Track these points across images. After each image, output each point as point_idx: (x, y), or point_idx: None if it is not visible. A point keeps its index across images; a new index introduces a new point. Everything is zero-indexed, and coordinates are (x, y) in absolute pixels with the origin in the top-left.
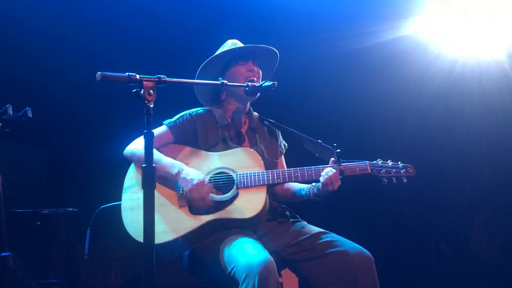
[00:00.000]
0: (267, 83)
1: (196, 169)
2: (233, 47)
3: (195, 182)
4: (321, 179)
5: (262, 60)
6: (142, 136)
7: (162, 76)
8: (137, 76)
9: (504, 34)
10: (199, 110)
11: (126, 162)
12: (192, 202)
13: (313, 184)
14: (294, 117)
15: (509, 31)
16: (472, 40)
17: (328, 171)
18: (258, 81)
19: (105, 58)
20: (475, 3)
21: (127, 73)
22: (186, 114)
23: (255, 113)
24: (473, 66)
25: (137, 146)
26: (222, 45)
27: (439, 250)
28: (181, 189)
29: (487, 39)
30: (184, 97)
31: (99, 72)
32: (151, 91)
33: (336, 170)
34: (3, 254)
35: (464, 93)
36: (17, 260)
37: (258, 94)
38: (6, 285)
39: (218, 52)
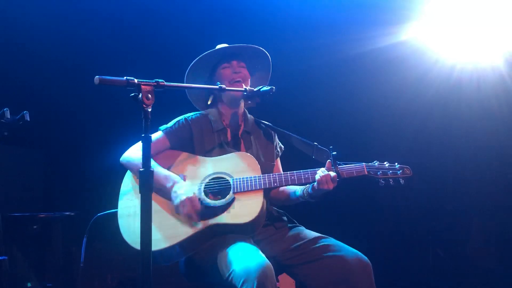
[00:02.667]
0: (265, 88)
1: (192, 176)
2: (212, 50)
3: (183, 198)
4: (317, 177)
5: (252, 62)
6: (138, 143)
7: (160, 80)
8: (135, 80)
9: (501, 39)
10: (194, 114)
11: (123, 165)
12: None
13: (308, 185)
14: (291, 120)
15: (507, 36)
16: (470, 46)
17: (324, 170)
18: (245, 82)
19: (104, 61)
20: (473, 9)
21: (125, 77)
22: (182, 119)
23: (250, 116)
24: (471, 71)
25: (133, 153)
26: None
27: (436, 255)
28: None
29: (485, 45)
30: (182, 101)
31: (97, 76)
32: (149, 95)
33: (333, 171)
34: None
35: (462, 98)
36: (13, 264)
37: (258, 99)
38: None
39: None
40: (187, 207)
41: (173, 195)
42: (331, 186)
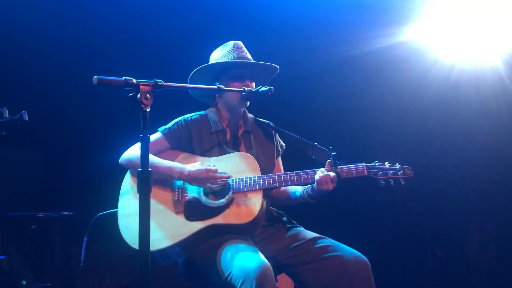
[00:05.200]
0: (263, 88)
1: None
2: (233, 60)
3: (201, 175)
4: (316, 177)
5: (260, 71)
6: (137, 144)
7: (159, 80)
8: (134, 80)
9: (500, 40)
10: (194, 115)
11: (122, 166)
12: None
13: (308, 185)
14: (291, 120)
15: (506, 37)
16: (469, 46)
17: (323, 170)
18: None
19: (102, 61)
20: (472, 10)
21: (123, 77)
22: (181, 120)
23: (250, 115)
24: (469, 72)
25: (132, 153)
26: (223, 45)
27: (435, 256)
28: (176, 188)
29: (483, 46)
30: (181, 101)
31: (95, 76)
32: (148, 96)
33: (333, 172)
34: None
35: (461, 99)
36: (12, 264)
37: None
38: None
39: (217, 55)
40: (206, 175)
41: (187, 178)
42: (330, 186)
